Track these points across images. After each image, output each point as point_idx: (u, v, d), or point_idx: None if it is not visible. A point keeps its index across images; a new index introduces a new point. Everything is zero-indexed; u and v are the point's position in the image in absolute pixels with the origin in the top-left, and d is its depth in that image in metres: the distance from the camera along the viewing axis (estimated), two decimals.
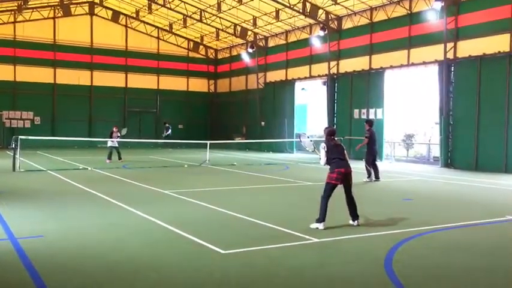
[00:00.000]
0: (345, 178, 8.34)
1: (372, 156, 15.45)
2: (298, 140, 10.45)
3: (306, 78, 30.37)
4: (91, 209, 9.91)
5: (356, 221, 8.37)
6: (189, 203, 10.76)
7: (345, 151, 8.61)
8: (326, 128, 8.99)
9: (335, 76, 27.86)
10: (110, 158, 21.30)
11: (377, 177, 15.29)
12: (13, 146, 17.17)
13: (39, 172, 16.98)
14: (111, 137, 21.61)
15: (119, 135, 22.11)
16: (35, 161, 20.84)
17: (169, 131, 33.33)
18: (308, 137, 10.06)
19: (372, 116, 24.92)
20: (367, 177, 15.28)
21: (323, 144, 8.52)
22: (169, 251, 6.75)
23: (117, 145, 21.65)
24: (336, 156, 8.38)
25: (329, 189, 8.31)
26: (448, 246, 7.20)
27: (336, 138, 8.73)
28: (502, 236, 8.07)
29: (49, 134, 32.28)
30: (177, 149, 32.92)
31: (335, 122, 27.89)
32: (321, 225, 8.03)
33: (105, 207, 10.08)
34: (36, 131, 30.94)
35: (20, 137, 17.69)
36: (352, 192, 8.46)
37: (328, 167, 8.43)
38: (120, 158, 21.50)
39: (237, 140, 34.01)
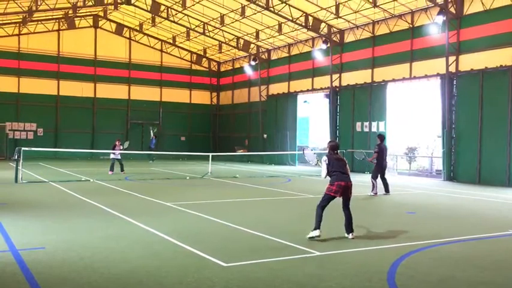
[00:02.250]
0: (344, 191, 8.46)
1: (379, 170, 15.38)
2: (302, 153, 10.61)
3: (308, 91, 30.46)
4: (93, 220, 9.89)
5: (351, 234, 8.38)
6: (191, 215, 10.73)
7: (347, 166, 8.69)
8: (329, 142, 9.09)
9: (337, 89, 27.93)
10: (112, 169, 21.47)
11: (387, 191, 15.25)
12: (16, 157, 17.20)
13: (41, 183, 16.99)
14: (113, 150, 21.86)
15: (121, 148, 22.35)
16: (37, 172, 20.87)
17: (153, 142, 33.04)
18: (311, 150, 10.21)
19: (374, 129, 24.98)
20: (372, 191, 15.21)
21: (324, 157, 8.69)
22: (171, 263, 6.72)
23: (119, 157, 21.88)
24: (337, 170, 8.50)
25: (326, 199, 8.47)
26: (451, 260, 7.15)
27: (338, 153, 8.85)
28: (505, 250, 8.01)
29: (52, 146, 32.39)
30: (179, 161, 32.91)
31: (337, 134, 27.91)
32: (316, 232, 8.17)
33: (107, 219, 10.06)
34: (39, 143, 31.12)
35: (22, 148, 17.74)
36: (349, 205, 8.56)
37: (329, 179, 8.56)
38: (122, 170, 21.64)
39: (239, 153, 34.01)
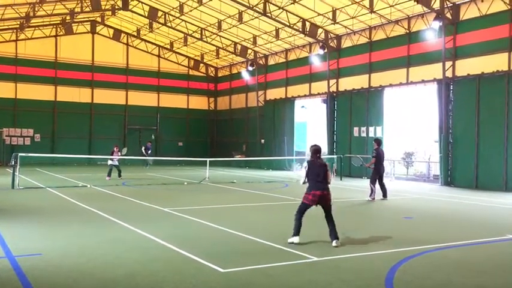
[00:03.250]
0: (320, 200, 8.26)
1: (377, 175, 15.34)
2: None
3: (305, 96, 30.51)
4: (90, 226, 9.85)
5: (335, 241, 8.10)
6: (188, 221, 10.71)
7: (328, 172, 8.39)
8: (312, 146, 8.72)
9: (334, 94, 27.99)
10: (109, 175, 21.49)
11: (384, 196, 15.21)
12: (13, 163, 17.15)
13: (38, 189, 16.94)
14: (112, 156, 22.00)
15: (120, 154, 22.51)
16: (34, 178, 20.81)
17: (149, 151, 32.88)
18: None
19: (371, 134, 25.01)
20: (370, 196, 15.17)
21: (305, 163, 8.51)
22: (168, 269, 6.70)
23: (117, 163, 22.02)
24: (314, 178, 8.27)
25: (303, 208, 8.36)
26: (449, 265, 7.14)
27: (321, 157, 8.59)
28: (502, 255, 8.01)
29: (49, 151, 32.33)
30: (177, 167, 32.86)
31: (335, 139, 27.96)
32: (295, 239, 8.13)
33: (104, 225, 10.03)
34: (36, 148, 31.03)
35: (19, 154, 17.70)
36: (331, 214, 8.34)
37: (307, 186, 8.40)
38: (120, 176, 21.72)
39: (237, 158, 34.00)
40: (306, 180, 8.40)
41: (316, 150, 8.52)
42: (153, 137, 33.67)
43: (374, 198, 15.04)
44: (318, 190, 8.21)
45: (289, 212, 12.74)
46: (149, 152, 32.74)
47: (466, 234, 9.65)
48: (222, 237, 8.99)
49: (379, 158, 15.36)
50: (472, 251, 8.30)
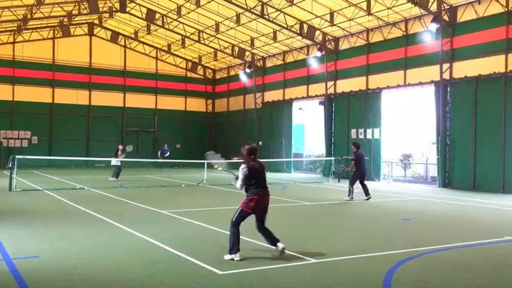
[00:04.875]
0: (262, 208, 7.45)
1: (358, 177, 15.84)
2: (207, 159, 9.22)
3: (303, 98, 30.54)
4: (87, 229, 9.83)
5: (279, 244, 7.44)
6: (186, 223, 10.69)
7: (265, 174, 7.68)
8: (247, 145, 7.89)
9: (332, 96, 28.02)
10: (117, 176, 21.62)
11: (367, 194, 15.64)
12: (10, 165, 17.10)
13: (35, 192, 16.90)
14: (116, 156, 22.08)
15: (124, 152, 22.68)
16: (31, 180, 20.76)
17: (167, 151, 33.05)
18: (218, 154, 9.09)
19: (369, 136, 25.05)
20: (348, 196, 15.64)
21: (243, 165, 7.56)
22: (166, 271, 6.68)
23: (119, 164, 22.01)
24: (256, 181, 7.45)
25: (242, 217, 7.38)
26: (447, 267, 7.15)
27: (257, 159, 7.69)
28: (500, 257, 8.02)
29: (46, 154, 32.24)
30: (174, 169, 32.82)
31: (332, 141, 28.00)
32: (236, 256, 7.11)
33: (101, 227, 10.01)
34: (33, 151, 30.94)
35: (17, 156, 17.65)
36: (265, 222, 7.58)
37: (245, 192, 7.54)
38: (117, 177, 21.80)
39: (235, 160, 33.96)
40: (243, 185, 7.49)
41: (250, 150, 7.67)
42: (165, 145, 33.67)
43: (352, 198, 15.53)
44: (262, 197, 7.41)
45: (287, 214, 12.77)
46: (166, 155, 32.46)
47: (464, 236, 9.66)
48: (220, 240, 8.96)
49: (359, 160, 15.89)
50: (470, 252, 8.31)
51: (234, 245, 7.21)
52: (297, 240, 8.69)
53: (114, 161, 22.07)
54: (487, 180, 19.70)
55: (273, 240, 7.52)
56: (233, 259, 7.13)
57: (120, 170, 22.17)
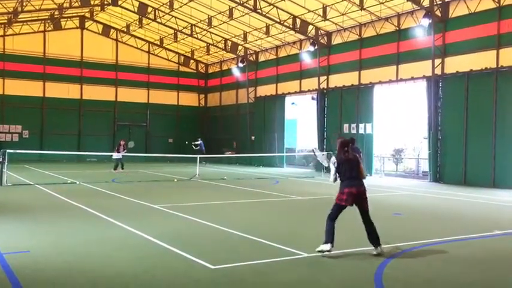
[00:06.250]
0: (355, 200, 7.38)
1: None
2: (313, 154, 9.64)
3: (296, 93, 30.54)
4: (79, 223, 9.79)
5: (379, 248, 7.34)
6: (179, 218, 10.68)
7: (361, 166, 7.54)
8: (338, 138, 7.88)
9: (325, 91, 28.04)
10: (115, 168, 22.94)
11: None
12: (0, 159, 16.96)
13: (26, 186, 16.79)
14: (118, 151, 23.44)
15: (125, 148, 23.97)
16: (22, 175, 20.62)
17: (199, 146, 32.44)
18: (321, 152, 9.69)
19: (361, 131, 25.14)
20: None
21: (333, 158, 7.62)
22: (158, 266, 6.68)
23: (120, 157, 23.35)
24: (347, 173, 7.41)
25: (336, 210, 7.42)
26: (438, 261, 7.21)
27: (349, 150, 7.58)
28: (490, 251, 8.09)
29: (37, 148, 32.03)
30: (167, 163, 32.73)
31: (325, 136, 28.04)
32: (326, 246, 7.21)
33: (93, 222, 9.97)
34: (24, 145, 30.68)
35: (7, 150, 17.51)
36: (369, 215, 7.49)
37: (339, 184, 7.54)
38: (115, 169, 22.93)
39: (227, 155, 33.96)
40: (336, 177, 7.52)
41: (343, 143, 7.62)
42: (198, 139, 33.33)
43: None
44: (353, 187, 7.34)
45: (280, 209, 12.81)
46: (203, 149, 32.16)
47: (455, 231, 9.73)
48: (212, 234, 8.98)
49: None
50: (460, 247, 8.38)
51: (327, 238, 7.26)
52: (289, 234, 8.72)
53: (115, 155, 23.37)
54: (478, 175, 19.85)
55: (372, 240, 7.44)
56: (323, 250, 7.20)
57: (122, 164, 23.31)
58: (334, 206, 7.49)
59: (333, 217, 7.42)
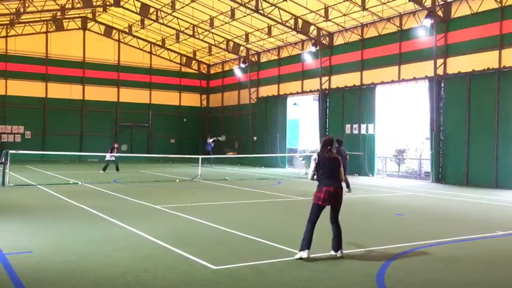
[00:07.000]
0: (332, 199, 7.22)
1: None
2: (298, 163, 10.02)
3: (298, 93, 30.53)
4: (81, 224, 9.80)
5: (339, 252, 7.23)
6: (180, 218, 10.69)
7: (341, 167, 7.43)
8: (324, 137, 7.82)
9: (327, 91, 28.02)
10: (104, 169, 22.88)
11: (348, 187, 16.13)
12: (3, 160, 17.00)
13: (29, 187, 16.82)
14: (111, 152, 23.52)
15: (118, 151, 24.23)
16: (25, 175, 20.65)
17: (210, 145, 32.16)
18: (301, 157, 9.69)
19: (363, 131, 25.12)
20: (347, 188, 15.98)
21: (314, 155, 7.49)
22: (159, 266, 6.68)
23: (114, 159, 23.44)
24: (326, 172, 7.27)
25: (315, 212, 7.21)
26: (440, 262, 7.19)
27: (332, 150, 7.51)
28: (493, 251, 8.07)
29: (40, 149, 32.08)
30: (168, 164, 32.76)
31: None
32: (304, 253, 6.98)
33: (95, 222, 9.98)
34: (26, 145, 30.75)
35: (10, 151, 17.54)
36: (339, 217, 7.35)
37: (317, 183, 7.42)
38: (117, 170, 23.08)
39: (229, 155, 33.97)
40: (314, 175, 7.39)
41: (326, 141, 7.47)
42: (219, 138, 32.92)
43: (350, 190, 16.14)
44: (332, 186, 7.18)
45: (282, 209, 12.80)
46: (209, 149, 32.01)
47: (457, 231, 9.71)
48: (213, 235, 8.98)
49: (340, 155, 16.14)
50: (462, 247, 8.36)
51: (303, 243, 7.04)
52: (291, 235, 8.70)
53: (108, 156, 23.37)
54: (480, 176, 19.81)
55: (334, 243, 7.26)
56: (301, 257, 6.96)
57: (114, 165, 23.21)
58: (312, 208, 7.26)
59: (313, 221, 7.18)
